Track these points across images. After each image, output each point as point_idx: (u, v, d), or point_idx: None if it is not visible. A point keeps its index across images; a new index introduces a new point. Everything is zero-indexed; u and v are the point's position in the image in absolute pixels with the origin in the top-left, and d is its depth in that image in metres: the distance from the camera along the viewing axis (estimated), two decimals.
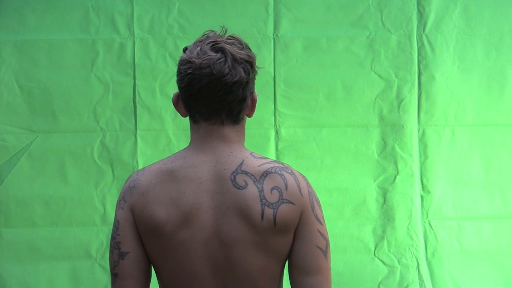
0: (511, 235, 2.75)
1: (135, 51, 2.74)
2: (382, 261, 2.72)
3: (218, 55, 1.33)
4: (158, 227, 1.35)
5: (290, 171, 1.38)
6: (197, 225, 1.34)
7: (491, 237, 2.74)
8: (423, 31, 2.76)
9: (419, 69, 2.76)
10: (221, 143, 1.38)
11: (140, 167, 2.68)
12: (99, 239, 2.70)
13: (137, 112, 2.74)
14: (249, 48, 1.39)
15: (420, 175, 2.76)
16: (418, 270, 2.71)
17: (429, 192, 2.75)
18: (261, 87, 2.75)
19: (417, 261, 2.72)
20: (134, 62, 2.74)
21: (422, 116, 2.76)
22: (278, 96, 2.76)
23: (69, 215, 2.71)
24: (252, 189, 1.33)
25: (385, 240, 2.73)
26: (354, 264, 2.72)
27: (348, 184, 2.75)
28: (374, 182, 2.75)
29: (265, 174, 1.35)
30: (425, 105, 2.76)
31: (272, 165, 1.37)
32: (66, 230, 2.71)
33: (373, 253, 2.73)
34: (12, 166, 2.70)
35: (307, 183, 1.40)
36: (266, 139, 2.75)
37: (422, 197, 2.75)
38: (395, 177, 2.75)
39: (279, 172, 1.36)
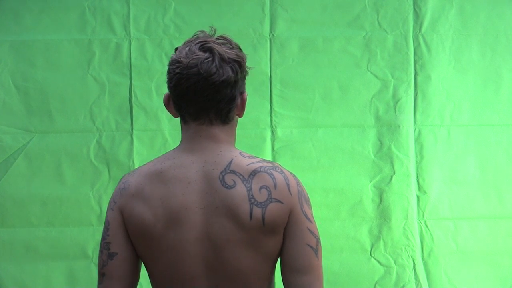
0: (507, 235, 2.74)
1: (131, 51, 2.74)
2: (378, 261, 2.72)
3: (206, 54, 1.34)
4: (147, 228, 1.36)
5: (279, 170, 1.38)
6: (187, 225, 1.35)
7: (487, 237, 2.74)
8: (419, 31, 2.76)
9: (415, 69, 2.76)
10: (210, 143, 1.38)
11: (136, 167, 2.68)
12: (95, 239, 2.70)
13: (133, 112, 2.74)
14: (240, 48, 1.39)
15: (416, 175, 2.76)
16: (415, 270, 2.71)
17: (425, 192, 2.75)
18: (257, 87, 2.76)
19: (413, 261, 2.72)
20: (130, 62, 2.74)
21: (418, 116, 2.76)
22: (274, 96, 2.76)
23: (66, 215, 2.71)
24: (240, 189, 1.33)
25: (381, 240, 2.73)
26: (350, 264, 2.72)
27: (344, 184, 2.75)
28: (370, 182, 2.75)
29: (254, 173, 1.35)
30: (421, 105, 2.76)
31: (261, 164, 1.37)
32: (63, 230, 2.71)
33: (369, 253, 2.73)
34: (8, 166, 2.71)
35: (297, 181, 1.40)
36: (262, 139, 2.75)
37: (418, 197, 2.75)
38: (391, 177, 2.75)
39: (268, 171, 1.36)
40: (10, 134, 2.72)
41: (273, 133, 2.76)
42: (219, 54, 1.34)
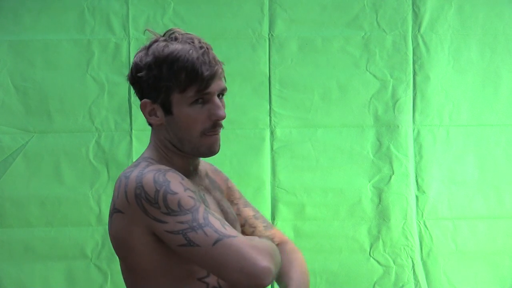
0: (506, 235, 2.74)
1: (130, 51, 2.74)
2: (377, 261, 2.73)
3: None
4: None
5: (128, 173, 1.24)
6: None
7: (486, 237, 2.74)
8: (418, 31, 2.76)
9: (414, 69, 2.76)
10: None
11: None
12: (94, 239, 2.70)
13: (132, 112, 2.73)
14: (152, 56, 1.30)
15: (415, 175, 2.75)
16: (413, 270, 2.71)
17: (424, 192, 2.75)
18: (256, 87, 2.76)
19: (412, 261, 2.72)
20: (129, 62, 2.73)
21: (417, 116, 2.76)
22: (273, 96, 2.76)
23: (65, 215, 2.71)
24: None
25: (380, 240, 2.73)
26: (349, 264, 2.72)
27: (343, 184, 2.75)
28: (369, 182, 2.75)
29: (117, 180, 1.28)
30: (420, 105, 2.76)
31: (129, 169, 1.28)
32: (62, 230, 2.70)
33: (368, 253, 2.73)
34: (7, 166, 2.70)
35: (138, 184, 1.20)
36: (261, 139, 2.75)
37: (417, 197, 2.75)
38: (390, 177, 2.75)
39: (121, 176, 1.25)
40: (8, 134, 2.72)
41: (272, 133, 2.76)
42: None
